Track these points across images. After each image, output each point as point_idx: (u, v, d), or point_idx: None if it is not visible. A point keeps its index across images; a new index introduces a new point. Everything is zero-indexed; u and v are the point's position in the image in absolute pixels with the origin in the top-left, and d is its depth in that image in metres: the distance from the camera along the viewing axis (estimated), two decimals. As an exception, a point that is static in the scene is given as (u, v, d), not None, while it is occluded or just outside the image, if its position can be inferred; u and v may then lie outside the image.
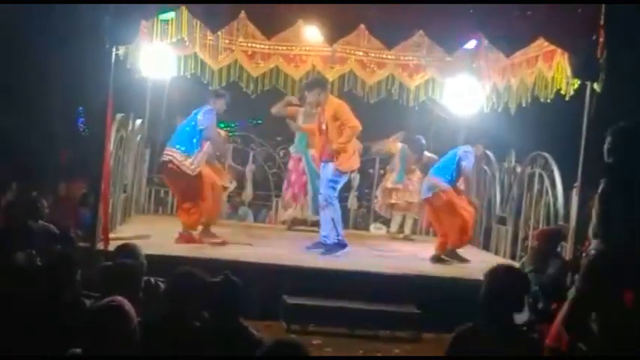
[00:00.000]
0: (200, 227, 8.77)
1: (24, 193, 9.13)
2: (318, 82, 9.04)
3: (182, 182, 8.60)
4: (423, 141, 10.95)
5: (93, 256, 6.87)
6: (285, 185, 11.05)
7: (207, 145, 8.70)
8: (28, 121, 11.66)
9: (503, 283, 3.95)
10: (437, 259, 8.93)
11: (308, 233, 10.41)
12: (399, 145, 11.13)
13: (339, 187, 8.96)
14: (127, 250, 5.41)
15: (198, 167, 8.54)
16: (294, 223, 10.89)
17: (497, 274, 4.02)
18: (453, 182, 9.06)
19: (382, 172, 11.90)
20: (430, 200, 9.17)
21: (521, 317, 6.70)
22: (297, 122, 10.61)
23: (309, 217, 10.70)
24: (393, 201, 11.07)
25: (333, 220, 8.73)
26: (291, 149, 10.96)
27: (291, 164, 10.95)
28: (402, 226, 11.16)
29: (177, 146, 8.54)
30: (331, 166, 8.77)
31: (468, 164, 9.04)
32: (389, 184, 11.11)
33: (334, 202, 8.81)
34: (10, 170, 10.44)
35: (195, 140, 8.55)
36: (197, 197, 8.57)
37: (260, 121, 17.50)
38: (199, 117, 8.58)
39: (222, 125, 9.64)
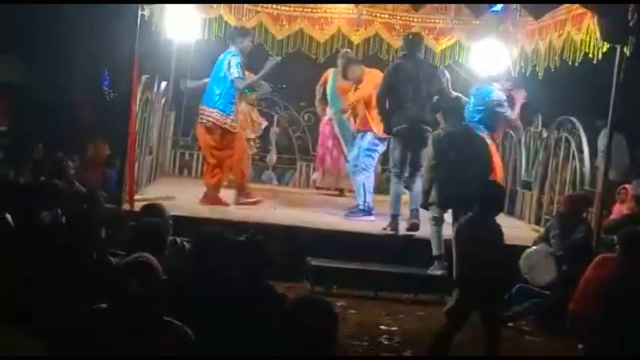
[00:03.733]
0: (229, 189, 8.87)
1: (50, 153, 9.21)
2: (358, 60, 9.39)
3: (216, 136, 8.60)
4: None
5: (119, 217, 6.91)
6: (320, 150, 10.89)
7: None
8: (54, 82, 11.71)
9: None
10: None
11: (333, 197, 10.43)
12: None
13: (377, 155, 9.02)
14: (153, 210, 5.45)
15: (237, 122, 8.69)
16: (327, 189, 10.81)
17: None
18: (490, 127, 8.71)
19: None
20: None
21: (545, 279, 6.75)
22: (328, 85, 10.40)
23: (345, 186, 10.50)
24: None
25: (364, 185, 8.77)
26: (330, 114, 10.56)
27: (327, 129, 10.71)
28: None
29: (214, 107, 8.53)
30: (369, 135, 8.80)
31: (505, 111, 8.70)
32: None
33: (370, 170, 8.88)
34: (37, 131, 10.52)
35: (230, 97, 8.54)
36: (227, 152, 8.62)
37: (284, 85, 17.45)
38: (230, 69, 8.46)
39: (247, 91, 9.61)
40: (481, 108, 8.69)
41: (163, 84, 10.43)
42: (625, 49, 7.49)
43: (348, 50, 10.26)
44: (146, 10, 8.11)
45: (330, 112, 10.46)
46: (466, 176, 6.76)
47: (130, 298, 3.31)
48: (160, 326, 3.35)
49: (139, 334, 3.31)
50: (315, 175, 11.12)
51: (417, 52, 8.47)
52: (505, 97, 8.76)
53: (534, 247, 7.20)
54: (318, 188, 10.96)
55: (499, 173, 8.79)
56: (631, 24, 7.37)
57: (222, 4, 10.15)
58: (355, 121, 9.64)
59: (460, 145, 7.09)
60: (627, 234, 6.00)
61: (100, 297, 3.61)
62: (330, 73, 10.42)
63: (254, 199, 8.90)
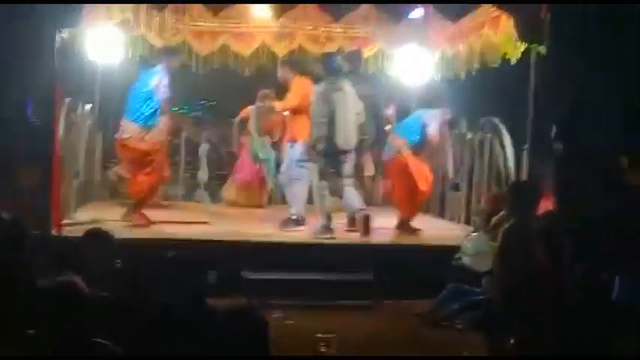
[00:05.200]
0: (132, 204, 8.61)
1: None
2: (290, 62, 9.48)
3: (138, 152, 8.42)
4: None
5: (46, 243, 6.79)
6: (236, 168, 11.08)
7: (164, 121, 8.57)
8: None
9: None
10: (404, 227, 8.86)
11: (264, 210, 10.46)
12: None
13: (309, 165, 8.96)
14: (96, 234, 5.39)
15: (159, 139, 8.46)
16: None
17: None
18: (417, 147, 8.89)
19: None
20: (390, 162, 9.00)
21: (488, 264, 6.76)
22: (251, 123, 10.65)
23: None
24: None
25: (296, 195, 8.80)
26: (260, 155, 10.90)
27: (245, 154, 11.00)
28: None
29: (135, 121, 8.35)
30: (299, 145, 8.80)
31: (433, 130, 8.87)
32: None
33: (303, 180, 8.87)
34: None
35: (152, 111, 8.35)
36: (149, 167, 8.43)
37: (214, 102, 17.44)
38: (155, 84, 8.32)
39: (174, 109, 9.55)
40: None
41: (88, 106, 10.29)
42: (541, 49, 7.68)
43: (267, 91, 10.29)
44: (66, 31, 8.01)
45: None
46: None
47: (55, 321, 3.27)
48: (88, 348, 3.32)
49: (68, 357, 3.28)
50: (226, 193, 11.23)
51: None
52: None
53: (475, 234, 7.28)
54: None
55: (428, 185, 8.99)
56: (545, 22, 7.55)
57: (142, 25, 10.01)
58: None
59: None
60: (513, 185, 6.13)
61: (28, 323, 3.56)
62: (252, 113, 10.59)
63: (144, 222, 8.49)
